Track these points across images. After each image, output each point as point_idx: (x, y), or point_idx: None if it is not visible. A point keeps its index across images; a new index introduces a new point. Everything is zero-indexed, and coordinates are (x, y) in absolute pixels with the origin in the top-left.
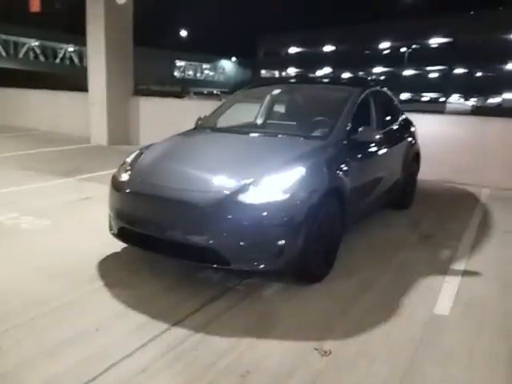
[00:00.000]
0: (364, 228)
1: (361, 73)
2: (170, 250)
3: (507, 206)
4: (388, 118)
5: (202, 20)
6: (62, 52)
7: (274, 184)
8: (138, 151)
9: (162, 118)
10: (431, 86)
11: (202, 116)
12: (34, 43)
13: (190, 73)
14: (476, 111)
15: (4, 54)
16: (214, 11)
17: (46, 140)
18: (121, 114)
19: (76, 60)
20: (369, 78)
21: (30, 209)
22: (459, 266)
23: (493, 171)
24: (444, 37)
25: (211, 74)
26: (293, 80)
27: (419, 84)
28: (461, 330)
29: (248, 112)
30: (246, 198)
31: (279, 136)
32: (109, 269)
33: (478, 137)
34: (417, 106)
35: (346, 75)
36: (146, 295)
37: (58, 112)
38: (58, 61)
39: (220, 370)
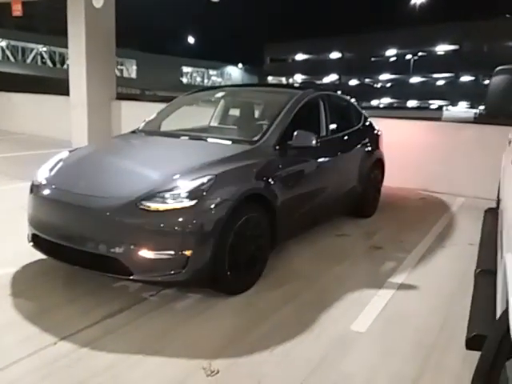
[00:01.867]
0: (314, 236)
1: (367, 80)
2: (75, 259)
3: (478, 215)
4: (342, 123)
5: (209, 27)
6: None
7: (181, 190)
8: (63, 153)
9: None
10: (438, 93)
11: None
12: (42, 49)
13: (198, 79)
14: (479, 119)
15: (12, 59)
16: (221, 18)
17: (28, 144)
18: (102, 117)
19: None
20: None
21: None
22: (398, 279)
23: (467, 180)
24: (450, 44)
25: (218, 80)
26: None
27: (426, 91)
28: (370, 350)
29: (199, 115)
30: (151, 204)
31: (208, 140)
32: (20, 278)
33: (455, 144)
34: (408, 113)
35: (352, 82)
36: (48, 306)
37: (45, 115)
38: (65, 66)
39: None
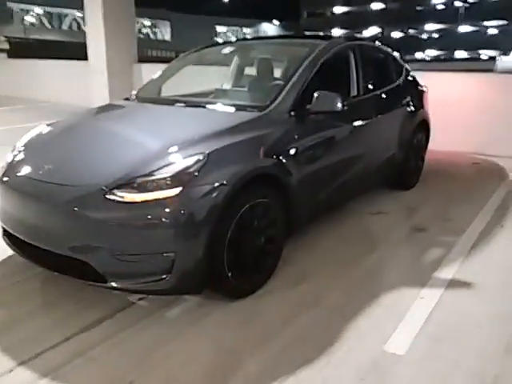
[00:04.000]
0: (341, 215)
1: (412, 31)
2: (43, 261)
3: None
4: (379, 79)
5: None
6: None
7: (163, 175)
8: (40, 127)
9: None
10: (489, 42)
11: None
12: (78, 14)
13: (233, 39)
14: None
15: (48, 25)
16: None
17: (47, 113)
18: (123, 81)
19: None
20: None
21: None
22: (447, 273)
23: None
24: None
25: None
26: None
27: (476, 41)
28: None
29: (204, 76)
30: (124, 193)
31: (207, 107)
32: None
33: None
34: (456, 64)
35: (396, 35)
36: (16, 315)
37: (70, 83)
38: None
39: None
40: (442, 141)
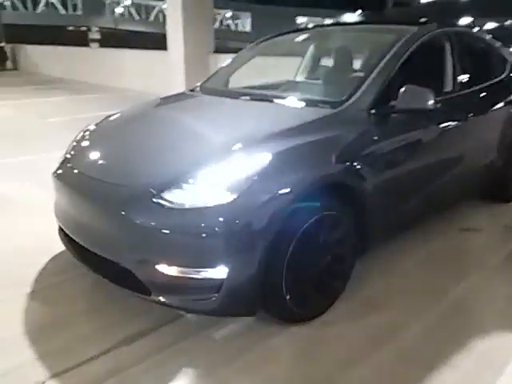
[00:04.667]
0: (426, 231)
1: (508, 22)
2: (90, 262)
3: None
4: (478, 73)
5: None
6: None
7: (218, 178)
8: (103, 119)
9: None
10: None
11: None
12: (163, 6)
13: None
14: None
15: (137, 17)
16: None
17: (125, 102)
18: (199, 71)
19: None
20: None
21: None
22: None
23: None
24: None
25: None
26: (334, 23)
27: None
28: None
29: (275, 67)
30: (174, 197)
31: (275, 101)
32: (47, 272)
33: None
34: None
35: (489, 25)
36: (60, 317)
37: (152, 72)
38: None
39: None
40: None
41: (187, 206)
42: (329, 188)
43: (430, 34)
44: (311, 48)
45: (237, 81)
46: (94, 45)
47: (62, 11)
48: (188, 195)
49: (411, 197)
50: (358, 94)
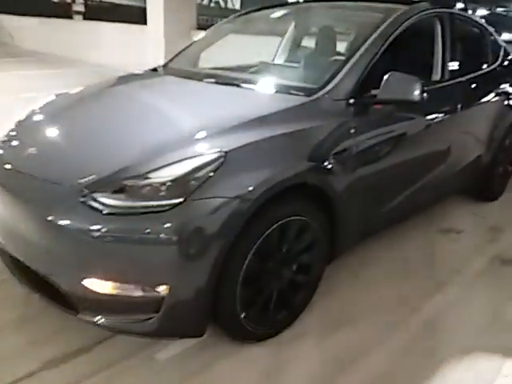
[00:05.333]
0: (402, 232)
1: (500, 9)
2: (18, 270)
3: None
4: (469, 60)
5: None
6: None
7: (161, 178)
8: (49, 98)
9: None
10: None
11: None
12: None
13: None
14: None
15: None
16: None
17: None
18: (180, 48)
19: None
20: None
21: None
22: None
23: None
24: None
25: None
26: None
27: None
28: None
29: (251, 46)
30: (107, 199)
31: (242, 86)
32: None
33: None
34: None
35: (480, 12)
36: None
37: (128, 47)
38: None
39: None
40: None
41: (121, 211)
42: (296, 190)
43: (420, 13)
44: (291, 27)
45: (206, 61)
46: (78, 17)
47: None
48: (124, 196)
49: (392, 197)
50: (336, 80)
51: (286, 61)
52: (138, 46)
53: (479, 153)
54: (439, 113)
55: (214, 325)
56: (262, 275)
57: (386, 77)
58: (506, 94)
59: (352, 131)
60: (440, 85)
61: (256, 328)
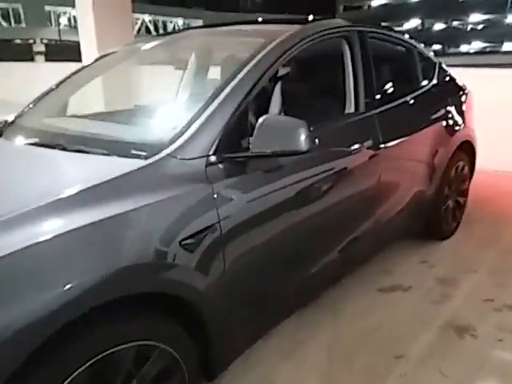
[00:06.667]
0: (334, 292)
1: (456, 23)
2: None
3: None
4: (396, 84)
5: None
6: None
7: None
8: None
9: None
10: None
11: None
12: (148, 18)
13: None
14: None
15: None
16: None
17: None
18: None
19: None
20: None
21: None
22: None
23: None
24: None
25: None
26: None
27: None
28: None
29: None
30: None
31: (69, 149)
32: None
33: None
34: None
35: (438, 27)
36: None
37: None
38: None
39: None
40: (490, 159)
41: None
42: (128, 301)
43: (315, 35)
44: (167, 57)
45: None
46: (40, 58)
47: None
48: None
49: (293, 275)
50: (190, 132)
51: (141, 105)
52: None
53: (419, 188)
54: (356, 152)
55: None
56: None
57: (258, 123)
58: (446, 116)
59: (216, 200)
60: (354, 118)
61: None
